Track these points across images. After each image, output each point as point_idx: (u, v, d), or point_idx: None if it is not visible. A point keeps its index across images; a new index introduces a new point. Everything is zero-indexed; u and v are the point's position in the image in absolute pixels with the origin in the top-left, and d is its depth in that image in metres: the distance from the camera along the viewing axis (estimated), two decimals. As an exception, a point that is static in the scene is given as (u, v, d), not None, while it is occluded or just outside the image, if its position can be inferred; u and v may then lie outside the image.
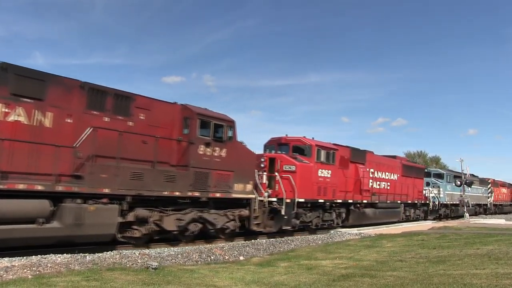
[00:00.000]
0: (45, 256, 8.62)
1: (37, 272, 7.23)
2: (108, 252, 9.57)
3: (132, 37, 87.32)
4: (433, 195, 28.58)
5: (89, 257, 8.70)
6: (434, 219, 27.43)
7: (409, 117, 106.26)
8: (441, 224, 23.42)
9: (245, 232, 14.43)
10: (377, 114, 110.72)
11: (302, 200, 15.72)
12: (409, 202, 24.84)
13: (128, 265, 8.34)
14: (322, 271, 8.54)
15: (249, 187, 13.87)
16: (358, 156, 20.24)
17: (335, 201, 17.82)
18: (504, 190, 46.64)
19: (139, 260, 8.80)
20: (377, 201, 20.93)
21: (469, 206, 33.10)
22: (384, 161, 22.99)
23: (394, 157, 24.97)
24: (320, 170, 16.89)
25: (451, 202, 31.64)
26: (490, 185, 40.92)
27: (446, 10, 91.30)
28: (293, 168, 15.77)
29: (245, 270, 8.56)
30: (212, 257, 10.23)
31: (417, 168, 27.89)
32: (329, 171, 17.34)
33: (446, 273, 7.72)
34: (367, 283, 7.05)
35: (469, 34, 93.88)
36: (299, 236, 15.41)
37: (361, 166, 20.06)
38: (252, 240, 13.55)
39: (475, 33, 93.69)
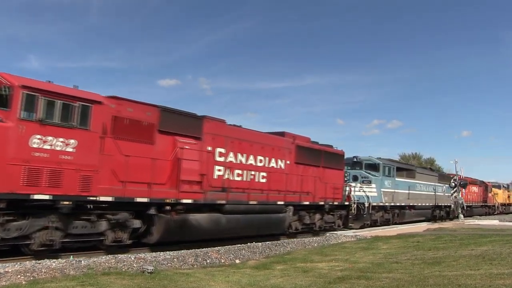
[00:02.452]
0: (40, 261, 8.55)
1: (31, 278, 7.17)
2: (103, 257, 9.51)
3: (128, 39, 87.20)
4: (360, 193, 20.58)
5: (84, 261, 8.64)
6: (361, 228, 20.30)
7: (404, 119, 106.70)
8: (436, 225, 23.51)
9: None
10: (372, 116, 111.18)
11: None
12: (308, 203, 16.47)
13: (123, 269, 8.30)
14: (318, 273, 8.55)
15: None
16: (182, 123, 11.88)
17: (92, 198, 9.81)
18: (475, 188, 38.96)
19: (134, 264, 8.77)
20: (224, 202, 12.79)
21: (463, 208, 31.95)
22: (252, 137, 14.36)
23: (281, 134, 16.33)
24: (39, 136, 8.92)
25: (393, 204, 23.25)
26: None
27: (441, 12, 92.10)
28: None
29: (241, 273, 8.55)
30: (208, 261, 10.21)
31: (330, 154, 18.23)
32: (72, 142, 9.42)
33: (441, 274, 7.77)
34: (363, 285, 7.07)
35: (464, 36, 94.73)
36: (295, 239, 15.40)
37: (187, 141, 11.91)
38: (248, 243, 13.53)
39: (470, 35, 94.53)
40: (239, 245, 13.09)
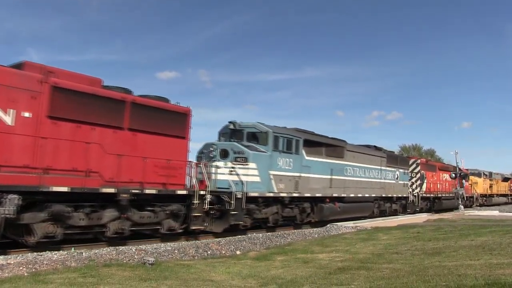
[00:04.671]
0: (41, 253, 8.61)
1: (33, 270, 7.22)
2: (104, 249, 9.57)
3: (128, 32, 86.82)
4: (232, 177, 13.38)
5: (85, 253, 8.70)
6: (225, 231, 13.08)
7: (404, 110, 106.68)
8: (436, 216, 23.56)
9: None
10: (371, 108, 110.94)
11: None
12: (66, 189, 9.30)
13: (124, 261, 8.35)
14: (318, 264, 8.59)
15: None
16: None
17: None
18: (447, 176, 32.37)
19: (135, 256, 8.81)
20: None
21: (464, 199, 30.46)
22: None
23: (18, 66, 9.58)
24: None
25: (298, 194, 15.64)
26: (417, 167, 26.76)
27: (441, 3, 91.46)
28: None
29: (241, 264, 8.59)
30: (208, 252, 10.26)
31: (154, 110, 11.42)
32: None
33: (441, 265, 7.79)
34: (363, 275, 7.10)
35: (463, 28, 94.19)
36: (295, 230, 15.43)
37: None
38: (249, 235, 13.58)
39: (470, 27, 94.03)
40: (239, 236, 13.14)
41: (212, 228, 12.85)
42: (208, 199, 12.29)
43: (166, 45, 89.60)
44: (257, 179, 14.02)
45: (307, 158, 16.27)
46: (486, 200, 41.09)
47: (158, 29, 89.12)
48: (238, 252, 10.65)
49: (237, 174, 13.53)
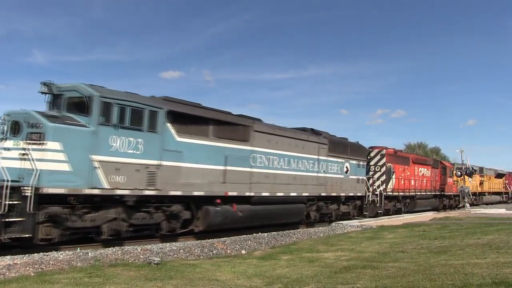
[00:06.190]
0: (47, 253, 8.65)
1: (40, 270, 7.26)
2: (110, 248, 9.59)
3: (132, 32, 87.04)
4: (7, 164, 8.87)
5: (91, 253, 8.73)
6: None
7: (409, 108, 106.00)
8: (442, 214, 23.46)
9: None
10: (376, 106, 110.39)
11: None
12: None
13: (130, 261, 8.37)
14: (324, 263, 8.57)
15: None
16: None
17: None
18: (424, 170, 27.08)
19: (141, 256, 8.84)
20: None
21: (470, 197, 30.07)
22: None
23: None
24: None
25: (157, 191, 10.74)
26: (382, 159, 21.77)
27: (445, 0, 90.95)
28: None
29: (247, 264, 8.59)
30: (214, 251, 10.27)
31: None
32: None
33: (447, 263, 7.76)
34: (369, 274, 7.08)
35: (468, 25, 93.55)
36: (300, 229, 15.41)
37: None
38: (254, 234, 13.57)
39: (475, 23, 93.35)
40: (245, 235, 13.13)
41: None
42: None
43: (170, 44, 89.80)
44: (65, 167, 9.12)
45: (178, 139, 11.37)
46: (476, 199, 35.57)
47: (162, 29, 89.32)
48: (243, 252, 10.65)
49: (31, 159, 8.85)
